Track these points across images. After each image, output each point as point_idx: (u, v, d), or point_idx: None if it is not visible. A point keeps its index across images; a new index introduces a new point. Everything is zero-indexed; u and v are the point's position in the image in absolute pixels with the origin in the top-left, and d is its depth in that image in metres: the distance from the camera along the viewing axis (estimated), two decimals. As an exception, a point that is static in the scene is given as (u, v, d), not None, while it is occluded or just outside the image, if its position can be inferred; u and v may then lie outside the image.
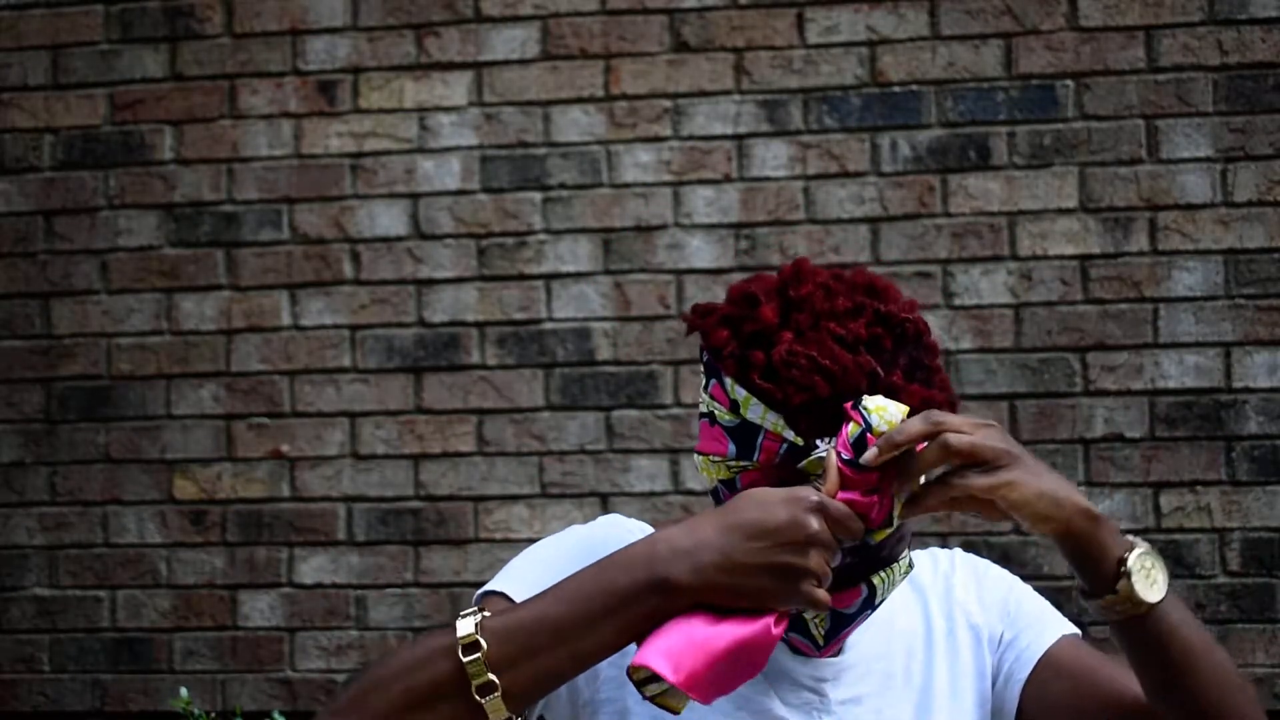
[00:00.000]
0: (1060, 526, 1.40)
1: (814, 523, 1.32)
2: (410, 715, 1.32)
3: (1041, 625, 1.64)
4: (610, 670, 1.55)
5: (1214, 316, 3.48)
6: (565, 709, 1.58)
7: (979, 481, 1.38)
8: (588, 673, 1.55)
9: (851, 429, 1.38)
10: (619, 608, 1.33)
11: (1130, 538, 1.44)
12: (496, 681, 1.30)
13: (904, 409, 1.39)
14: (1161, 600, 1.42)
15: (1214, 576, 3.45)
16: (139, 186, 3.82)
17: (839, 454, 1.37)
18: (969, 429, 1.38)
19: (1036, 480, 1.39)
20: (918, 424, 1.38)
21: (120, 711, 3.76)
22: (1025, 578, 3.62)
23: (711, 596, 1.32)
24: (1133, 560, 1.41)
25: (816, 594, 1.33)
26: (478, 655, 1.31)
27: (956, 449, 1.37)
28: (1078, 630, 1.65)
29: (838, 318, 1.44)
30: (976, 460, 1.38)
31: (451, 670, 1.31)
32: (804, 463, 1.42)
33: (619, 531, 1.55)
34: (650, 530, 1.58)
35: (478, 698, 1.31)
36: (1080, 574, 1.44)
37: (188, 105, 3.82)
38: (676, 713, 1.34)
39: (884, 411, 1.38)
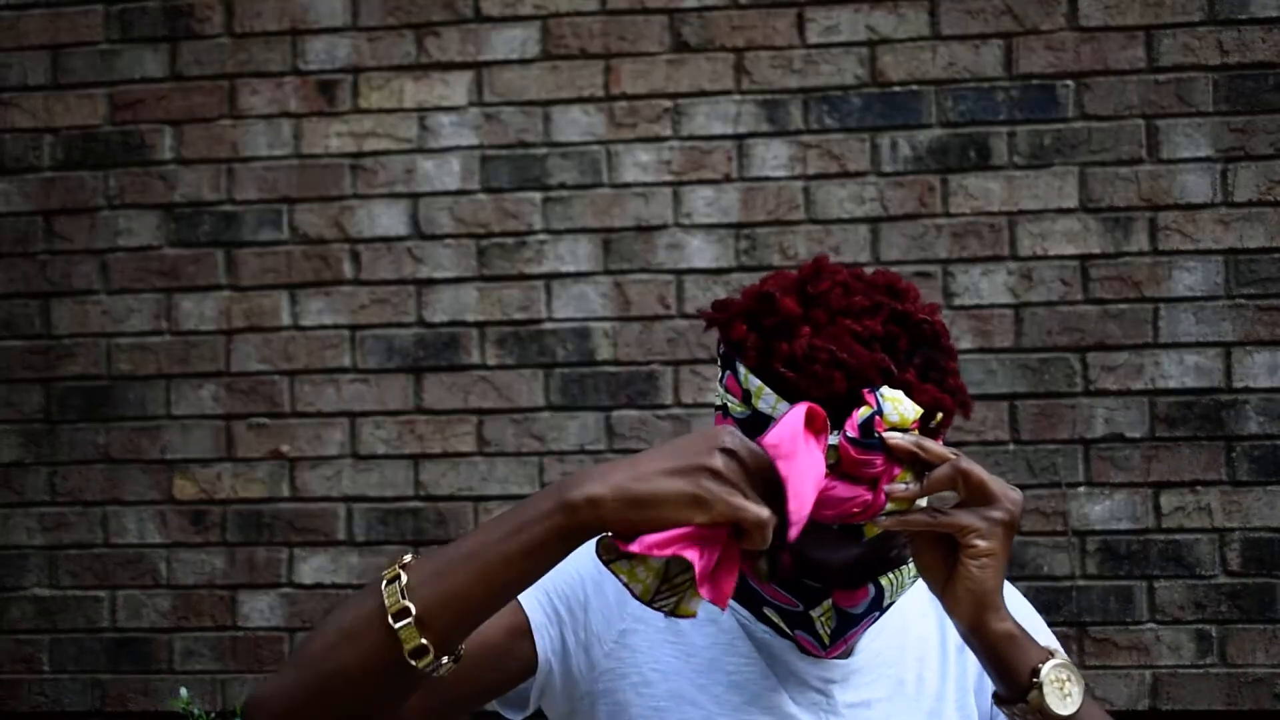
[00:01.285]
0: (978, 619, 1.42)
1: (722, 434, 1.32)
2: (340, 648, 1.33)
3: None
4: (608, 663, 1.56)
5: (1214, 316, 3.47)
6: (562, 702, 1.59)
7: (965, 517, 1.39)
8: (585, 664, 1.55)
9: (863, 411, 1.39)
10: (524, 526, 1.33)
11: (1051, 647, 1.45)
12: (411, 608, 1.31)
13: (918, 408, 1.40)
14: (1075, 713, 1.43)
15: (1214, 576, 3.45)
16: (139, 186, 3.82)
17: (845, 434, 1.38)
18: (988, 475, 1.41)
19: (1002, 568, 1.41)
20: (945, 449, 1.40)
21: (120, 711, 3.76)
22: (1024, 578, 3.62)
23: (626, 511, 1.31)
24: (1046, 671, 1.42)
25: (730, 499, 1.29)
26: (396, 583, 1.33)
27: (966, 472, 1.39)
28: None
29: (854, 315, 1.45)
30: (980, 496, 1.40)
31: (376, 602, 1.33)
32: None
33: None
34: None
35: (392, 623, 1.31)
36: (994, 679, 1.45)
37: (188, 105, 3.82)
38: (691, 615, 1.35)
39: (898, 402, 1.40)
